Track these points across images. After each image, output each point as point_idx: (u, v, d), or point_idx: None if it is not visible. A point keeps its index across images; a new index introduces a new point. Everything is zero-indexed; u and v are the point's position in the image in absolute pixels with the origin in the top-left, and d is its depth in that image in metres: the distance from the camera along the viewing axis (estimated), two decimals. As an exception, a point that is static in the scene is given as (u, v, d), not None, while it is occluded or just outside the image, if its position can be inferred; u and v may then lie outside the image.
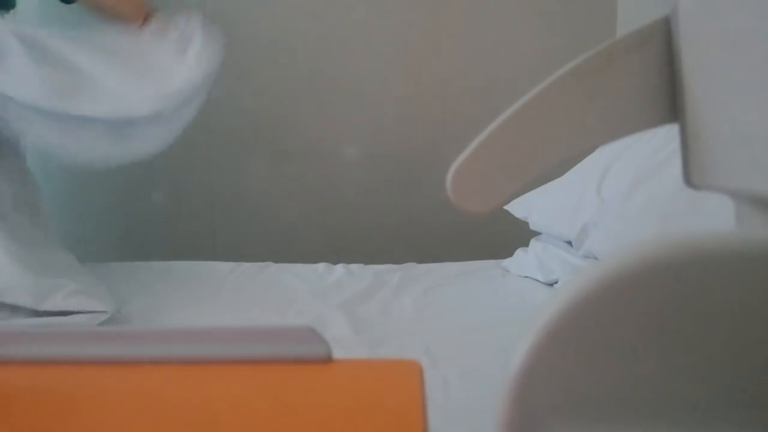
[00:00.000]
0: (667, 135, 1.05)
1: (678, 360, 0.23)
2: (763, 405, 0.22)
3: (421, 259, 1.40)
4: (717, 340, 0.22)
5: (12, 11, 1.32)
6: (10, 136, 1.08)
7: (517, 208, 1.31)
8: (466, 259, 1.38)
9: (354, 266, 1.33)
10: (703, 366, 0.23)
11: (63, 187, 1.81)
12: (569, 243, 1.19)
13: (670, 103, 0.35)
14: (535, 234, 1.32)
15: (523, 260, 1.24)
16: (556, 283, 1.13)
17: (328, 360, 0.31)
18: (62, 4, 1.32)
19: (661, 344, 0.23)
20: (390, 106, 1.75)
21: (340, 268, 1.32)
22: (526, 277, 1.21)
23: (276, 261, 1.40)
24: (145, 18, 1.14)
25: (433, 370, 0.79)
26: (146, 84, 1.00)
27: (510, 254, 1.30)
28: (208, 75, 1.03)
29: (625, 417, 0.23)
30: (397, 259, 1.40)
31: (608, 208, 1.07)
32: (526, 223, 1.31)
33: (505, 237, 1.46)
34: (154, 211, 1.82)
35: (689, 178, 0.35)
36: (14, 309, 0.95)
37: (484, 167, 0.35)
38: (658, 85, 0.35)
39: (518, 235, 1.39)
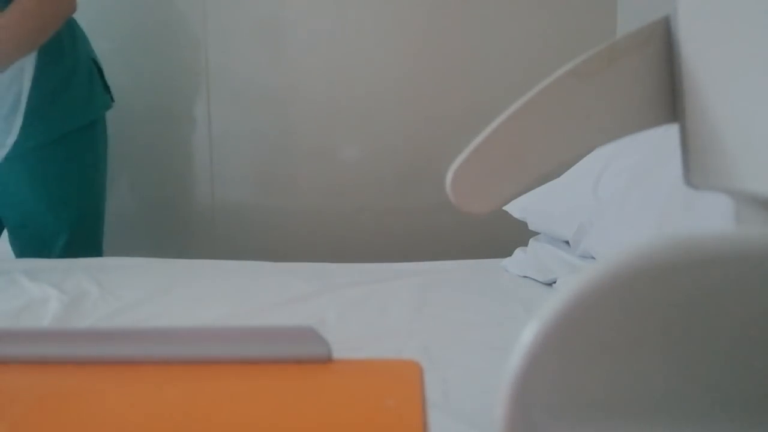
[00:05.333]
0: (664, 135, 1.05)
1: (678, 360, 0.23)
2: (763, 405, 0.22)
3: (421, 259, 1.40)
4: (717, 339, 0.22)
5: None
6: None
7: (516, 208, 1.31)
8: (465, 259, 1.39)
9: (354, 266, 1.33)
10: (703, 366, 0.23)
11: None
12: (567, 243, 1.19)
13: (670, 103, 0.35)
14: (534, 234, 1.33)
15: (522, 260, 1.25)
16: (554, 282, 1.14)
17: (328, 360, 0.31)
18: None
19: (661, 344, 0.23)
20: (390, 106, 1.75)
21: (339, 267, 1.32)
22: (525, 276, 1.21)
23: (275, 260, 1.40)
24: None
25: (433, 370, 0.79)
26: None
27: (509, 254, 1.31)
28: None
29: (626, 417, 0.23)
30: (397, 259, 1.40)
31: (605, 208, 1.07)
32: (525, 223, 1.31)
33: (504, 237, 1.46)
34: (154, 209, 1.82)
35: (689, 179, 0.35)
36: None
37: (483, 167, 0.35)
38: (658, 85, 0.35)
39: (517, 234, 1.39)
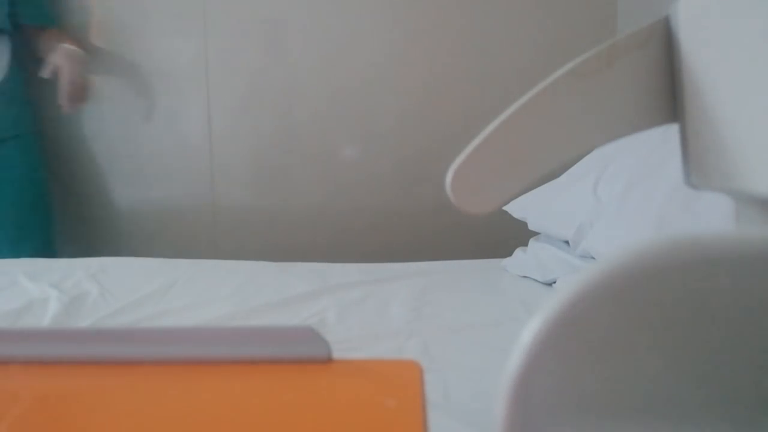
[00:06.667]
0: (663, 136, 1.05)
1: (678, 360, 0.23)
2: (763, 405, 0.22)
3: (421, 259, 1.40)
4: (717, 339, 0.22)
5: None
6: None
7: (516, 208, 1.31)
8: (465, 259, 1.39)
9: (354, 266, 1.33)
10: (703, 366, 0.23)
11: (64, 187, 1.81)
12: (567, 243, 1.19)
13: (670, 103, 0.35)
14: (534, 234, 1.33)
15: (522, 260, 1.25)
16: (554, 282, 1.13)
17: (328, 360, 0.31)
18: None
19: (661, 344, 0.23)
20: (390, 107, 1.75)
21: (339, 267, 1.32)
22: (525, 276, 1.21)
23: (275, 260, 1.40)
24: None
25: (433, 370, 0.79)
26: None
27: (509, 254, 1.31)
28: None
29: (626, 417, 0.23)
30: (397, 259, 1.40)
31: (604, 208, 1.07)
32: (525, 223, 1.31)
33: (504, 237, 1.46)
34: (154, 209, 1.82)
35: (689, 179, 0.35)
36: None
37: (483, 167, 0.35)
38: (658, 85, 0.35)
39: (518, 235, 1.39)
